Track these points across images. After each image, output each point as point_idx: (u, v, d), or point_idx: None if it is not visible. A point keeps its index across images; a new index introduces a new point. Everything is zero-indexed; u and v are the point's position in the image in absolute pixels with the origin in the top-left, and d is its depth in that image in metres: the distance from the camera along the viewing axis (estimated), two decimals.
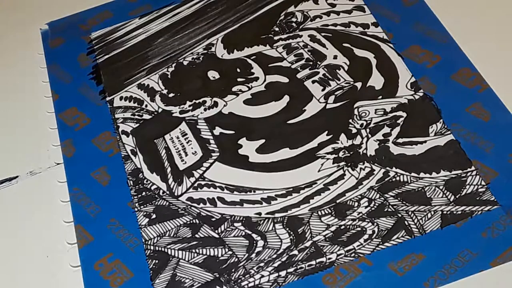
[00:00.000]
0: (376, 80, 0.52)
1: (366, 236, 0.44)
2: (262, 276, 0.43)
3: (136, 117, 0.53)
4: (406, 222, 0.44)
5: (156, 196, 0.49)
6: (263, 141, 0.50)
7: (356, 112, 0.50)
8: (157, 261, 0.45)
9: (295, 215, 0.46)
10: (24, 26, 0.64)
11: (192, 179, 0.49)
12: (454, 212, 0.44)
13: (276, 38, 0.56)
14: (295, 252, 0.44)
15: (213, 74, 0.55)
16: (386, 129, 0.49)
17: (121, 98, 0.55)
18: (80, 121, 0.55)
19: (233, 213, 0.47)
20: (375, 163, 0.47)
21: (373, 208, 0.45)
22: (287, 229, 0.45)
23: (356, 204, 0.46)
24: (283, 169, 0.48)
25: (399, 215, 0.44)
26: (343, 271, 0.43)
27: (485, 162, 0.46)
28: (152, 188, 0.49)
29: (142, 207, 0.48)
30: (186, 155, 0.50)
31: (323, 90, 0.52)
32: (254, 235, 0.46)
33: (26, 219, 0.50)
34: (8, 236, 0.49)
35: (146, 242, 0.46)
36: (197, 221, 0.47)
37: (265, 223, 0.46)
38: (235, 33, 0.58)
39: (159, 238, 0.46)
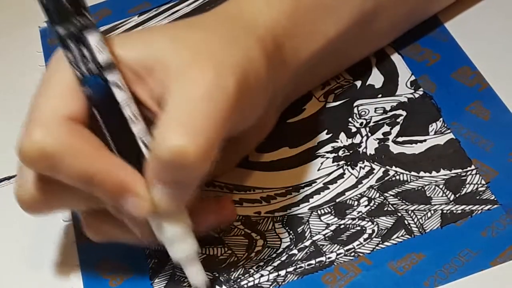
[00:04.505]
0: (376, 79, 0.52)
1: (365, 235, 0.44)
2: (262, 275, 0.43)
3: None
4: (406, 221, 0.44)
5: None
6: (262, 140, 0.50)
7: (355, 110, 0.50)
8: (156, 260, 0.45)
9: (295, 214, 0.46)
10: (23, 24, 0.63)
11: None
12: (454, 211, 0.44)
13: None
14: (295, 251, 0.44)
15: None
16: (386, 128, 0.49)
17: None
18: None
19: None
20: (374, 162, 0.47)
21: (372, 207, 0.45)
22: (287, 228, 0.45)
23: (356, 203, 0.46)
24: (283, 168, 0.48)
25: (399, 214, 0.44)
26: (342, 270, 0.43)
27: (485, 161, 0.45)
28: None
29: None
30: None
31: (322, 89, 0.52)
32: (253, 234, 0.45)
33: (25, 218, 0.50)
34: (6, 235, 0.49)
35: None
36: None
37: (265, 222, 0.46)
38: None
39: None
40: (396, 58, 0.53)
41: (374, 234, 0.44)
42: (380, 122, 0.49)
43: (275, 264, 0.44)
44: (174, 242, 0.41)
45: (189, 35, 0.41)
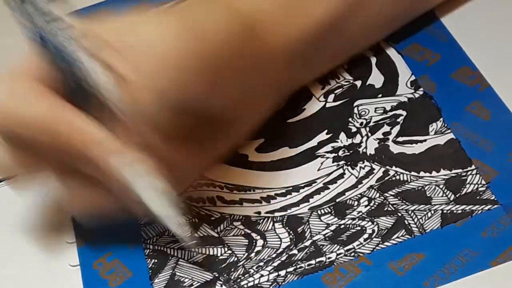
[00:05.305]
0: (376, 79, 0.52)
1: (366, 235, 0.44)
2: (262, 275, 0.43)
3: None
4: (406, 221, 0.44)
5: None
6: (262, 140, 0.50)
7: (355, 110, 0.50)
8: (156, 260, 0.45)
9: (295, 214, 0.46)
10: None
11: None
12: (454, 211, 0.44)
13: None
14: (295, 251, 0.44)
15: None
16: (386, 128, 0.49)
17: None
18: None
19: (233, 212, 0.47)
20: (374, 162, 0.47)
21: (373, 207, 0.45)
22: (287, 228, 0.45)
23: (356, 203, 0.46)
24: (283, 168, 0.48)
25: (399, 214, 0.44)
26: (342, 270, 0.43)
27: (485, 161, 0.45)
28: None
29: None
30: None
31: (322, 88, 0.52)
32: (253, 234, 0.45)
33: (25, 218, 0.50)
34: (6, 235, 0.49)
35: (145, 241, 0.46)
36: (196, 220, 0.47)
37: (265, 222, 0.46)
38: None
39: (158, 237, 0.46)
40: (396, 58, 0.53)
41: (374, 234, 0.44)
42: (380, 122, 0.49)
43: (275, 264, 0.44)
44: (136, 178, 0.40)
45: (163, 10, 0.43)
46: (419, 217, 0.44)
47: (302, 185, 0.47)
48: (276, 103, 0.49)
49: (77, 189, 0.43)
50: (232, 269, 0.44)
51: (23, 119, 0.39)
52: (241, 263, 0.44)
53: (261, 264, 0.44)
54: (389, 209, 0.45)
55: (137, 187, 0.40)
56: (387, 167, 0.47)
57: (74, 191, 0.43)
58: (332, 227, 0.45)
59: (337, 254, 0.43)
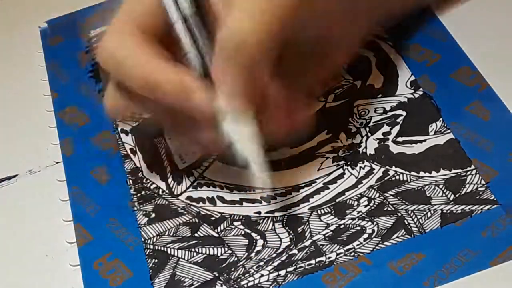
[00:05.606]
0: (376, 79, 0.52)
1: (365, 235, 0.44)
2: (262, 275, 0.43)
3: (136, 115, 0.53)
4: (405, 221, 0.44)
5: (156, 195, 0.49)
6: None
7: (355, 110, 0.50)
8: (156, 260, 0.45)
9: (295, 214, 0.46)
10: (23, 24, 0.64)
11: (192, 178, 0.49)
12: (454, 211, 0.44)
13: None
14: (295, 251, 0.44)
15: None
16: (386, 128, 0.49)
17: None
18: (79, 120, 0.55)
19: (233, 212, 0.47)
20: (374, 162, 0.47)
21: (372, 207, 0.45)
22: (287, 228, 0.45)
23: (356, 203, 0.46)
24: (283, 168, 0.48)
25: (399, 214, 0.44)
26: (342, 270, 0.43)
27: (485, 161, 0.45)
28: (152, 187, 0.49)
29: (141, 206, 0.48)
30: (186, 154, 0.50)
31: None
32: (253, 234, 0.45)
33: (25, 218, 0.50)
34: (7, 235, 0.49)
35: (146, 241, 0.46)
36: (197, 220, 0.47)
37: (265, 222, 0.46)
38: None
39: (158, 237, 0.46)
40: (396, 58, 0.53)
41: (374, 234, 0.44)
42: (380, 122, 0.49)
43: (275, 264, 0.44)
44: (239, 142, 0.42)
45: None
46: (418, 217, 0.44)
47: (302, 185, 0.47)
48: (369, 25, 0.49)
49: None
50: (232, 269, 0.44)
51: (129, 71, 0.41)
52: (241, 263, 0.44)
53: (261, 264, 0.44)
54: (389, 209, 0.45)
55: (229, 131, 0.41)
56: (387, 167, 0.47)
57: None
58: (332, 227, 0.45)
59: (337, 254, 0.43)
